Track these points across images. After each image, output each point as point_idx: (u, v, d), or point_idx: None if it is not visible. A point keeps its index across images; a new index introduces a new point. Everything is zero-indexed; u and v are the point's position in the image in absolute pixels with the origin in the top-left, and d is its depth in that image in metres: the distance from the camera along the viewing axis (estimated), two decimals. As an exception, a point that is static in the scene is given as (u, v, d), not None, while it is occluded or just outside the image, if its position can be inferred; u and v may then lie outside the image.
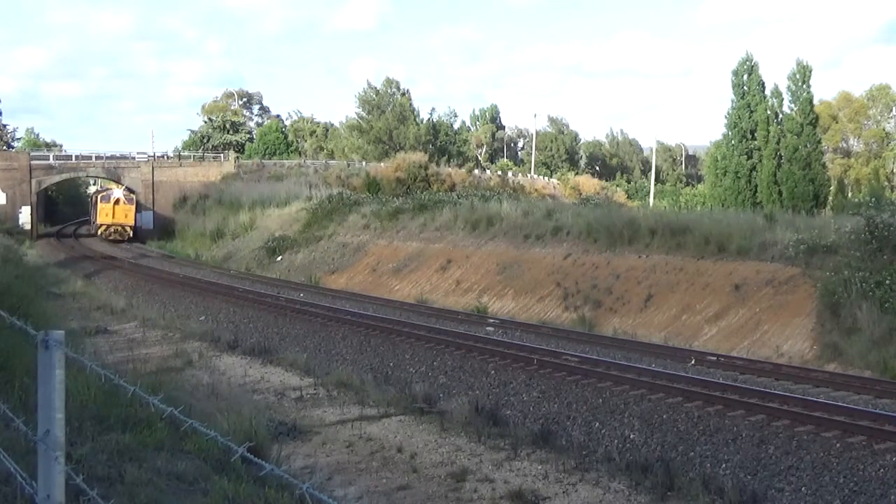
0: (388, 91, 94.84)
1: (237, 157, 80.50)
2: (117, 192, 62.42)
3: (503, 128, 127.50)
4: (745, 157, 61.37)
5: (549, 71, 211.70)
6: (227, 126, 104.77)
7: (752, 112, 61.36)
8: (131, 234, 60.64)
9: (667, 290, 26.98)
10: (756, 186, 60.69)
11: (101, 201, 61.65)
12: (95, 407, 7.89)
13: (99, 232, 61.04)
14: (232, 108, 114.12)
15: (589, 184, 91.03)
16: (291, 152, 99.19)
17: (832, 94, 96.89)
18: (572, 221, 34.38)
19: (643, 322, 26.08)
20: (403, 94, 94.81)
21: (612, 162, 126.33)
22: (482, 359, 17.31)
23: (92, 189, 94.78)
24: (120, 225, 60.76)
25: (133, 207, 61.56)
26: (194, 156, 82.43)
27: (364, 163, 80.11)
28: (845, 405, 13.32)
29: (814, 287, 22.75)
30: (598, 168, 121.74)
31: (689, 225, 29.57)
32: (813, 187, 57.80)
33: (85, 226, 76.63)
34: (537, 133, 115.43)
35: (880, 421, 12.12)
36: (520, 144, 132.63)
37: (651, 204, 74.89)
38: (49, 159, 69.44)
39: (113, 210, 60.73)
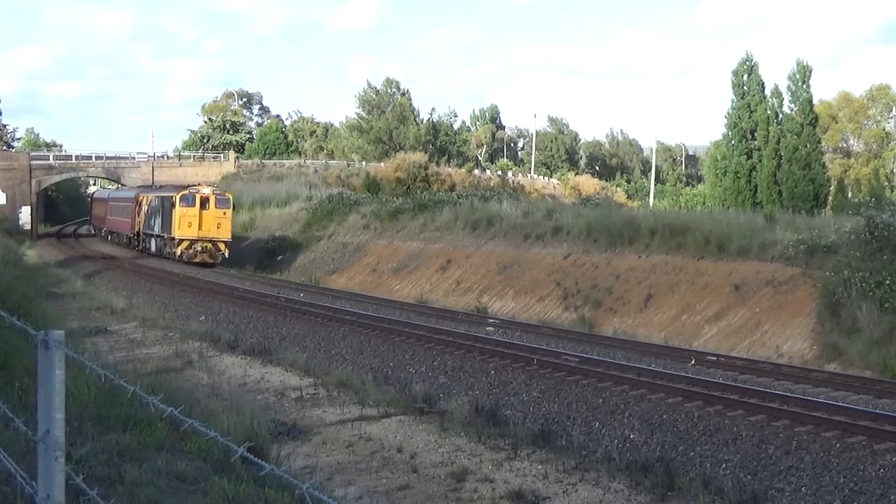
0: (388, 91, 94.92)
1: (237, 157, 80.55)
2: (205, 188, 42.48)
3: (503, 128, 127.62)
4: (745, 157, 61.38)
5: (549, 71, 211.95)
6: (227, 126, 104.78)
7: (752, 112, 61.38)
8: (227, 255, 41.38)
9: (667, 290, 26.99)
10: (756, 186, 60.69)
11: (180, 203, 40.53)
12: (95, 407, 7.89)
13: (178, 252, 40.59)
14: (232, 108, 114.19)
15: (589, 184, 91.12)
16: (291, 152, 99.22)
17: (832, 94, 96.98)
18: (572, 221, 34.39)
19: (643, 322, 26.08)
20: (403, 94, 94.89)
21: (612, 162, 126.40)
22: (482, 359, 17.31)
23: (93, 188, 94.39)
24: (211, 241, 40.67)
25: (230, 213, 41.72)
26: (194, 156, 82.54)
27: (364, 163, 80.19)
28: (845, 405, 13.32)
29: (814, 287, 22.76)
30: (598, 168, 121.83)
31: (689, 225, 29.57)
32: (813, 187, 57.81)
33: (85, 225, 76.53)
34: (537, 133, 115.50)
35: (880, 421, 12.12)
36: (520, 144, 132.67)
37: (651, 204, 74.91)
38: (49, 159, 69.57)
39: (200, 218, 40.38)
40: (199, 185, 43.67)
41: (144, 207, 46.79)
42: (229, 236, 41.21)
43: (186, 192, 41.25)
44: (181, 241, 40.57)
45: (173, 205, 40.91)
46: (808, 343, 21.42)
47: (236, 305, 26.54)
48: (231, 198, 42.64)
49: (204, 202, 40.73)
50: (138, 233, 48.50)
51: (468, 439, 12.64)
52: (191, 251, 40.40)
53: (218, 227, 40.69)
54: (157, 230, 44.28)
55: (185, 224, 40.34)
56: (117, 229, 55.95)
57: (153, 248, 45.40)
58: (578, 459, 11.77)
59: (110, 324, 23.41)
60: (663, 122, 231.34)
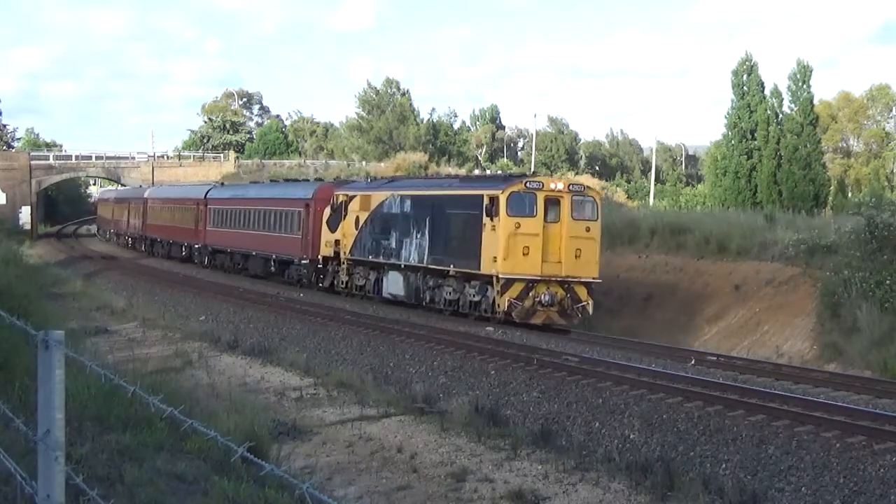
0: (388, 91, 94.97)
1: (237, 157, 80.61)
2: (555, 182, 23.09)
3: (503, 128, 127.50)
4: (745, 157, 61.35)
5: (548, 71, 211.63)
6: (227, 126, 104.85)
7: (752, 112, 61.35)
8: (590, 309, 22.30)
9: (667, 290, 27.00)
10: (756, 186, 60.65)
11: (507, 209, 21.54)
12: (95, 407, 7.89)
13: (504, 303, 21.41)
14: (232, 108, 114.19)
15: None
16: (291, 152, 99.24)
17: (832, 94, 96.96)
18: (572, 221, 34.33)
19: (643, 322, 26.08)
20: (403, 95, 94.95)
21: (612, 162, 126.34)
22: (482, 359, 17.31)
23: (93, 189, 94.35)
24: (563, 282, 21.85)
25: (597, 229, 22.66)
26: (194, 156, 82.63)
27: (364, 163, 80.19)
28: (845, 405, 13.32)
29: (814, 287, 22.78)
30: (598, 168, 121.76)
31: (690, 225, 29.63)
32: (813, 187, 57.77)
33: (85, 225, 76.61)
34: (537, 133, 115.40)
35: (880, 421, 12.12)
36: (520, 144, 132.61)
37: (651, 204, 74.87)
38: (49, 159, 69.67)
39: (544, 237, 21.76)
40: (534, 174, 26.13)
41: (356, 216, 27.65)
42: (596, 273, 22.45)
43: (520, 186, 22.07)
44: (510, 282, 21.49)
45: (493, 211, 21.78)
46: (808, 343, 21.44)
47: (236, 305, 26.54)
48: (599, 200, 23.66)
49: (550, 206, 21.95)
50: (327, 259, 29.61)
51: (468, 439, 12.64)
52: (526, 303, 21.47)
53: (577, 257, 21.92)
54: (413, 258, 24.91)
55: (518, 249, 21.43)
56: (246, 248, 35.80)
57: (394, 290, 25.87)
58: (578, 459, 11.77)
59: (110, 324, 23.43)
60: (663, 122, 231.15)
